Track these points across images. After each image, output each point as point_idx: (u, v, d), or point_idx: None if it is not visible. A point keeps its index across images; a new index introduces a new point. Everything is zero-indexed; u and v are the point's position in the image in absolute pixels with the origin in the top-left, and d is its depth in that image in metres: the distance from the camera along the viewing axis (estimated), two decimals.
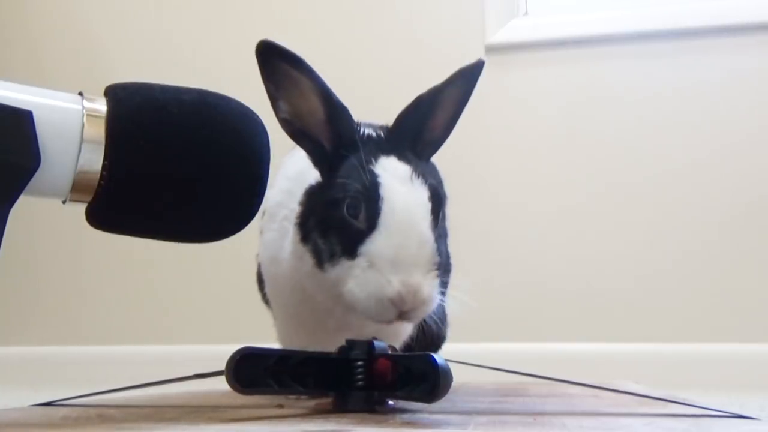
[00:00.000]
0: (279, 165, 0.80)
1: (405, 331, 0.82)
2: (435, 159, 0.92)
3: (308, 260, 0.69)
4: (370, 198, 0.65)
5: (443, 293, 0.88)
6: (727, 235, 1.72)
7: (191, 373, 0.59)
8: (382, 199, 0.64)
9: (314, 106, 0.68)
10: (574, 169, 1.81)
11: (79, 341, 1.98)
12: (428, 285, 0.65)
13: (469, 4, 1.90)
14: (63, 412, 0.59)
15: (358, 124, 0.71)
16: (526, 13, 1.92)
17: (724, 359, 1.63)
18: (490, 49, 1.87)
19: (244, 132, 0.55)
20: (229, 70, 1.95)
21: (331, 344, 0.73)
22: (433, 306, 0.66)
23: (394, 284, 0.63)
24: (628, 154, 1.80)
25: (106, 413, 0.57)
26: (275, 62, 0.67)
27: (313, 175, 0.72)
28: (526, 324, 1.74)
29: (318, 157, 0.71)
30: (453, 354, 0.64)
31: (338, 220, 0.66)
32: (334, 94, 0.68)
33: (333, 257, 0.66)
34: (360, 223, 0.65)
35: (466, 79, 0.73)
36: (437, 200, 0.68)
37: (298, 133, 0.70)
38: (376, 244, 0.64)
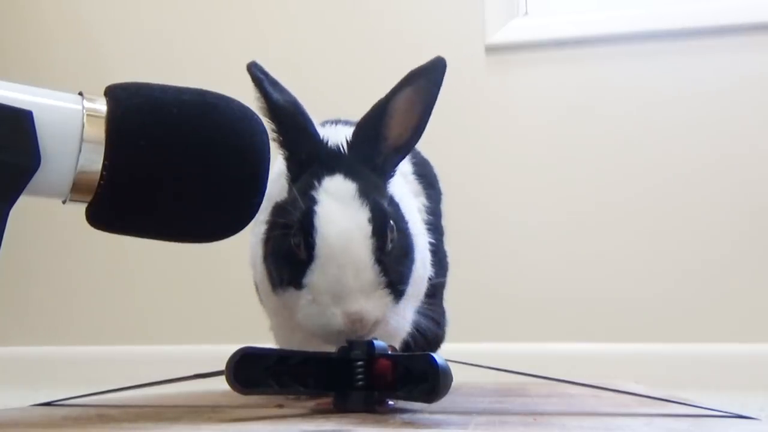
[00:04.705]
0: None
1: (402, 329, 0.82)
2: (434, 159, 0.92)
3: (267, 281, 0.71)
4: (306, 230, 0.64)
5: (435, 299, 0.88)
6: (727, 235, 1.72)
7: (191, 373, 0.59)
8: (316, 230, 0.64)
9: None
10: (574, 169, 1.81)
11: (79, 341, 1.98)
12: (373, 308, 0.64)
13: (469, 4, 1.90)
14: (63, 412, 0.59)
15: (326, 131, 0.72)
16: (526, 13, 1.92)
17: (724, 359, 1.63)
18: (490, 49, 1.87)
19: (244, 132, 0.55)
20: (229, 70, 1.96)
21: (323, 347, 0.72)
22: (393, 322, 0.67)
23: (338, 316, 0.63)
24: (628, 153, 1.80)
25: (106, 413, 0.57)
26: (254, 80, 0.69)
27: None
28: (526, 324, 1.74)
29: (289, 166, 0.71)
30: (453, 354, 0.64)
31: (285, 250, 0.67)
32: (295, 108, 0.69)
33: (282, 284, 0.67)
34: (302, 254, 0.65)
35: (426, 77, 0.70)
36: (379, 220, 0.66)
37: (279, 144, 0.70)
38: (315, 277, 0.64)
